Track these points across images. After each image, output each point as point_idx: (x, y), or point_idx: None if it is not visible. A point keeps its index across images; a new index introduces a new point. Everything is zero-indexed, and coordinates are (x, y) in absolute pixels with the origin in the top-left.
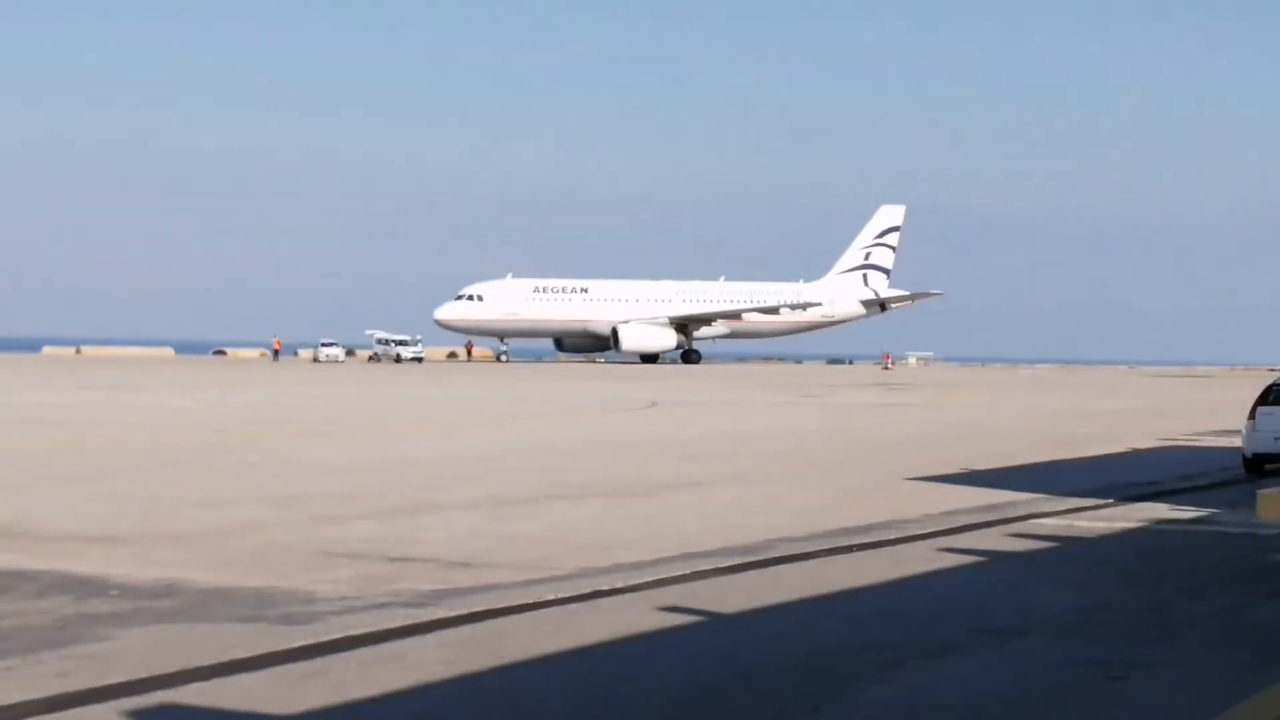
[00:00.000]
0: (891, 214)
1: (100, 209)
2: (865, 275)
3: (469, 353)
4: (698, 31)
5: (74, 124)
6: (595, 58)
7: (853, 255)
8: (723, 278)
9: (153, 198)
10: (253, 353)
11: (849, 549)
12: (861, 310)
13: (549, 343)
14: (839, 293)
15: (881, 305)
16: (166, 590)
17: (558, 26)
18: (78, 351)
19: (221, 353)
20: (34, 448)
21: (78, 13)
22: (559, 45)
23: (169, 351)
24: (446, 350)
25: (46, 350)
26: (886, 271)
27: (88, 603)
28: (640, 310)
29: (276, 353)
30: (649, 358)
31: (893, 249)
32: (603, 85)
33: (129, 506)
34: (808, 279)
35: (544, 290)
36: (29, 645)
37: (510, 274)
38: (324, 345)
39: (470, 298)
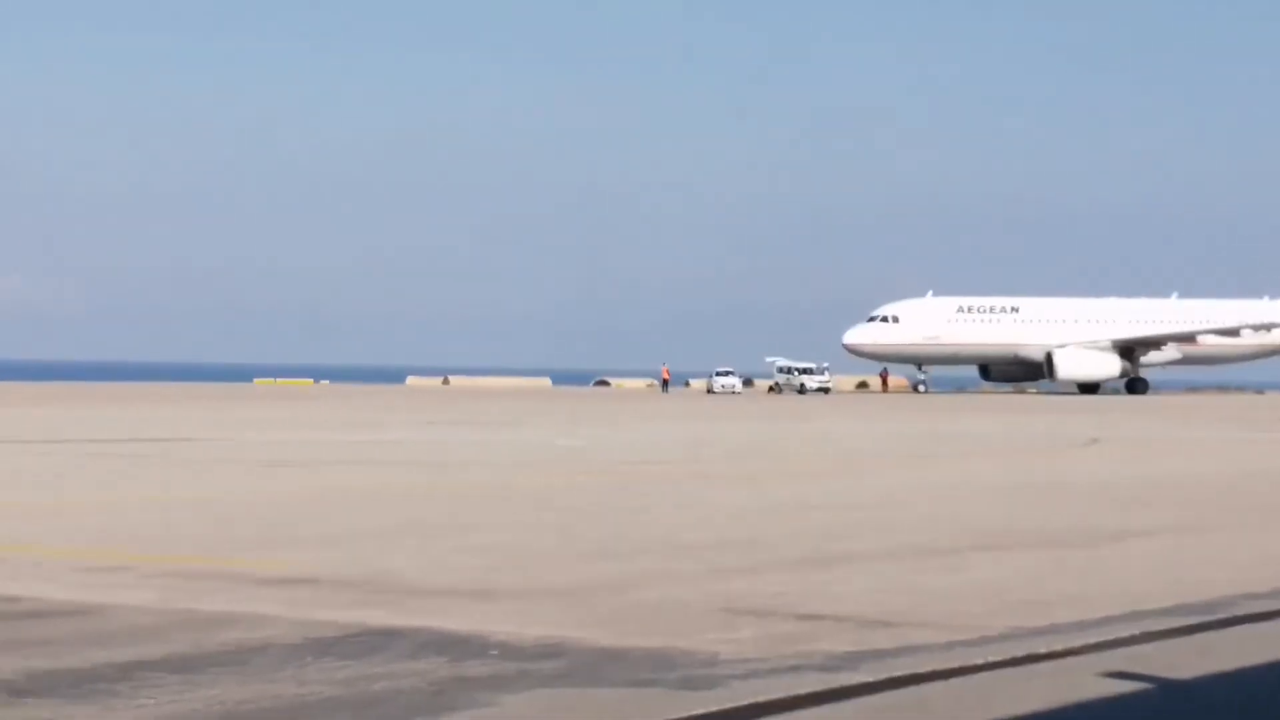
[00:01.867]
0: None
1: (467, 236)
2: None
3: (884, 382)
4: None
5: (458, 158)
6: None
7: None
8: (1175, 295)
9: (529, 224)
10: (639, 383)
11: None
12: None
13: (972, 370)
14: None
15: None
16: (552, 651)
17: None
18: (445, 381)
19: (604, 383)
20: (400, 491)
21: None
22: (972, 51)
23: (545, 382)
24: (856, 379)
25: (411, 380)
26: None
27: (465, 664)
28: (1078, 333)
29: (665, 383)
30: (1088, 387)
31: None
32: (1026, 84)
33: (509, 557)
34: (1274, 295)
35: (969, 310)
36: (402, 711)
37: (930, 292)
38: (719, 374)
39: (884, 319)
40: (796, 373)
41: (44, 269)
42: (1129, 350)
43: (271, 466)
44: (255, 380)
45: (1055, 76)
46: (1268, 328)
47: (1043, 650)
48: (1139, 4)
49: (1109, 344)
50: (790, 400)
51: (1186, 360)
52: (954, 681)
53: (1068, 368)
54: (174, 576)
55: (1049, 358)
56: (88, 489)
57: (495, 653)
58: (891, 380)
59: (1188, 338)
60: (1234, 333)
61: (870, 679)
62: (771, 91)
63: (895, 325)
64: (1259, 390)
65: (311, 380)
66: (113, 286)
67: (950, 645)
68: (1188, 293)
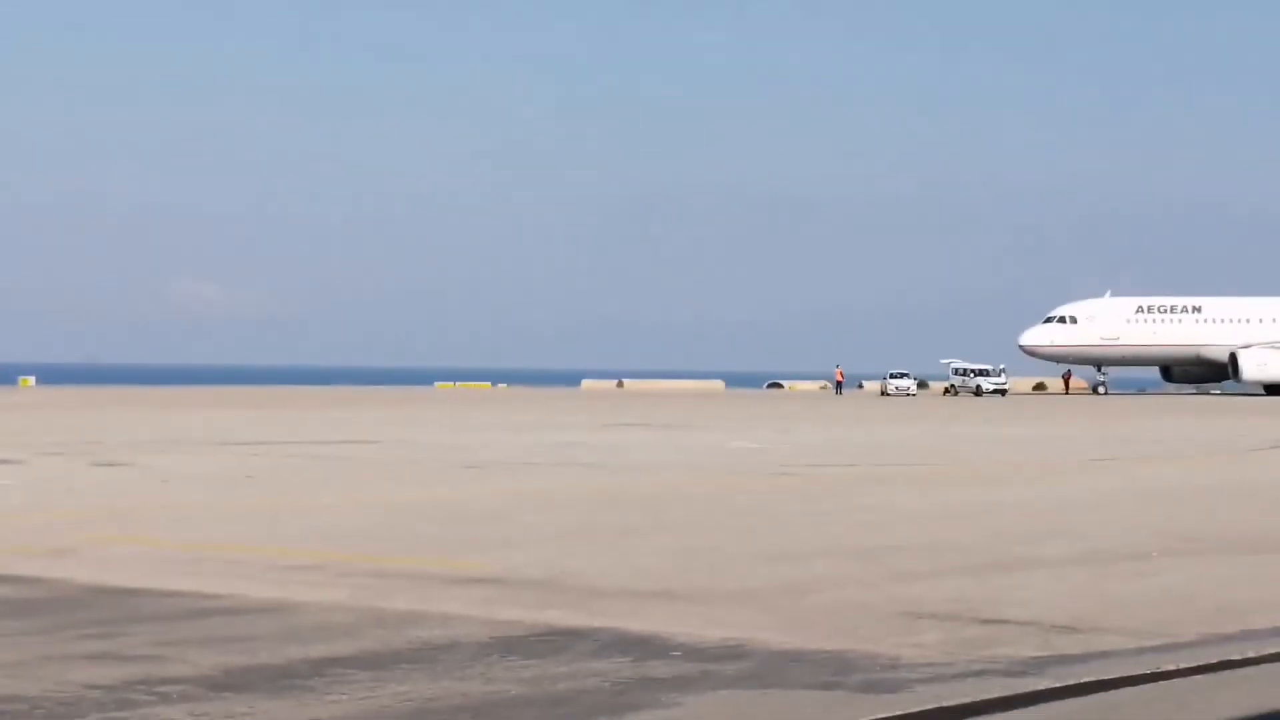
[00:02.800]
0: None
1: (638, 239)
2: None
3: (1067, 384)
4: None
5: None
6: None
7: None
8: None
9: (696, 227)
10: (812, 385)
11: None
12: None
13: (1152, 372)
14: None
15: None
16: (734, 652)
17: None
18: (619, 385)
19: (777, 385)
20: (580, 493)
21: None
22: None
23: (719, 384)
24: (1033, 381)
25: (586, 384)
26: None
27: (648, 665)
28: (1263, 333)
29: (839, 385)
30: (1275, 389)
31: None
32: (1204, 79)
33: (689, 559)
34: None
35: (1149, 310)
36: (586, 711)
37: (1109, 292)
38: (893, 376)
39: (1062, 320)
40: (972, 374)
41: (236, 277)
42: None
43: (457, 469)
44: (436, 384)
45: (1230, 71)
46: None
47: (1236, 657)
48: None
49: None
50: (966, 402)
51: None
52: (1144, 688)
53: (1253, 369)
54: (364, 575)
55: (1233, 358)
56: (280, 490)
57: (678, 654)
58: (1072, 382)
59: None
60: None
61: (1057, 684)
62: (938, 85)
63: (1073, 326)
64: None
65: (490, 384)
66: (293, 293)
67: (1140, 651)
68: None
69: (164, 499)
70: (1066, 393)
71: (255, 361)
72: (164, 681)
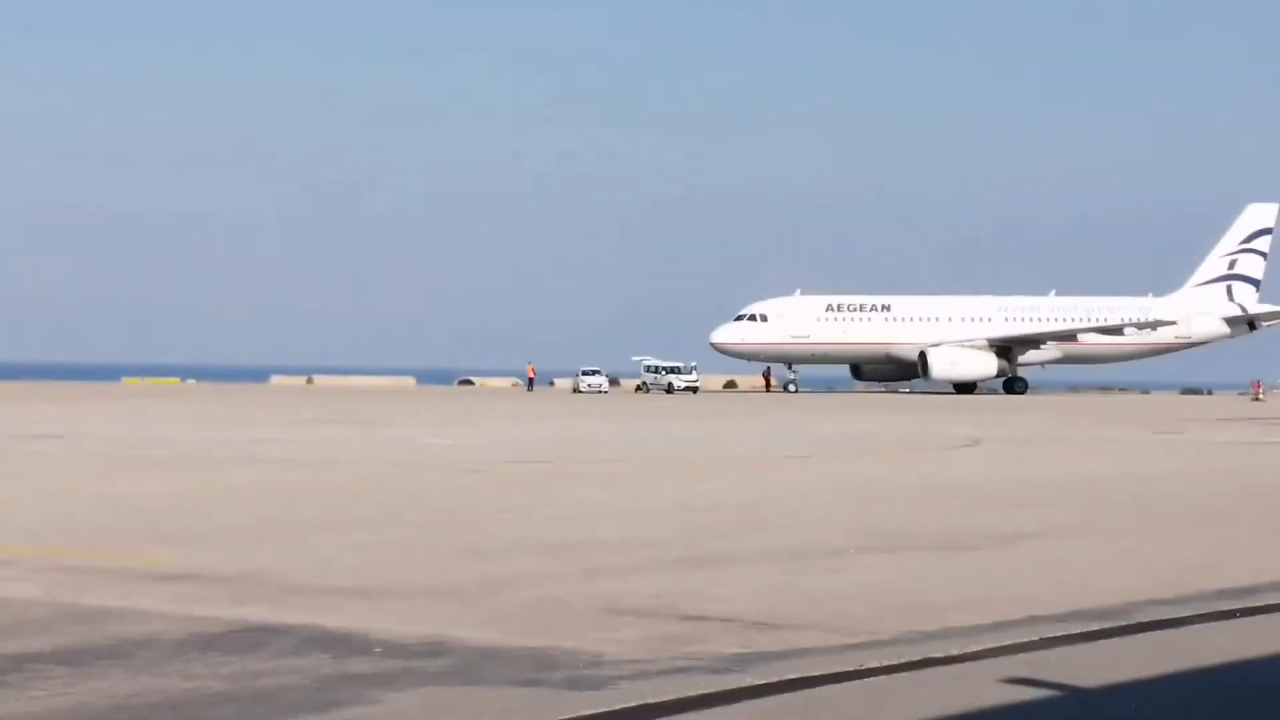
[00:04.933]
0: (1262, 214)
1: (335, 231)
2: (1230, 287)
3: (767, 382)
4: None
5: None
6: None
7: (1214, 264)
8: (1053, 292)
9: (394, 221)
10: (504, 382)
11: (1231, 614)
12: (1225, 330)
13: (843, 370)
14: (1196, 308)
15: (1250, 324)
16: (435, 649)
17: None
18: (309, 381)
19: (469, 382)
20: (271, 489)
21: None
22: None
23: (410, 381)
24: (724, 379)
25: (275, 380)
26: (1256, 283)
27: (349, 661)
28: (953, 331)
29: (531, 382)
30: (964, 387)
31: (1264, 256)
32: (914, 76)
33: (385, 555)
34: (1158, 292)
35: (838, 309)
36: (289, 708)
37: (799, 290)
38: (585, 374)
39: (753, 318)
40: (664, 372)
41: None
42: (1006, 349)
43: (145, 464)
44: (124, 380)
45: (938, 65)
46: (1153, 325)
47: (939, 654)
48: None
49: (985, 342)
50: (658, 400)
51: (1067, 359)
52: (846, 685)
53: (942, 367)
54: (56, 570)
55: (923, 357)
56: None
57: (378, 650)
58: (773, 380)
59: (1068, 336)
60: (1117, 331)
61: (760, 681)
62: (663, 84)
63: (763, 324)
64: (1144, 390)
65: (179, 379)
66: None
67: (841, 648)
68: (1067, 290)
69: None
70: (768, 390)
71: None
72: None
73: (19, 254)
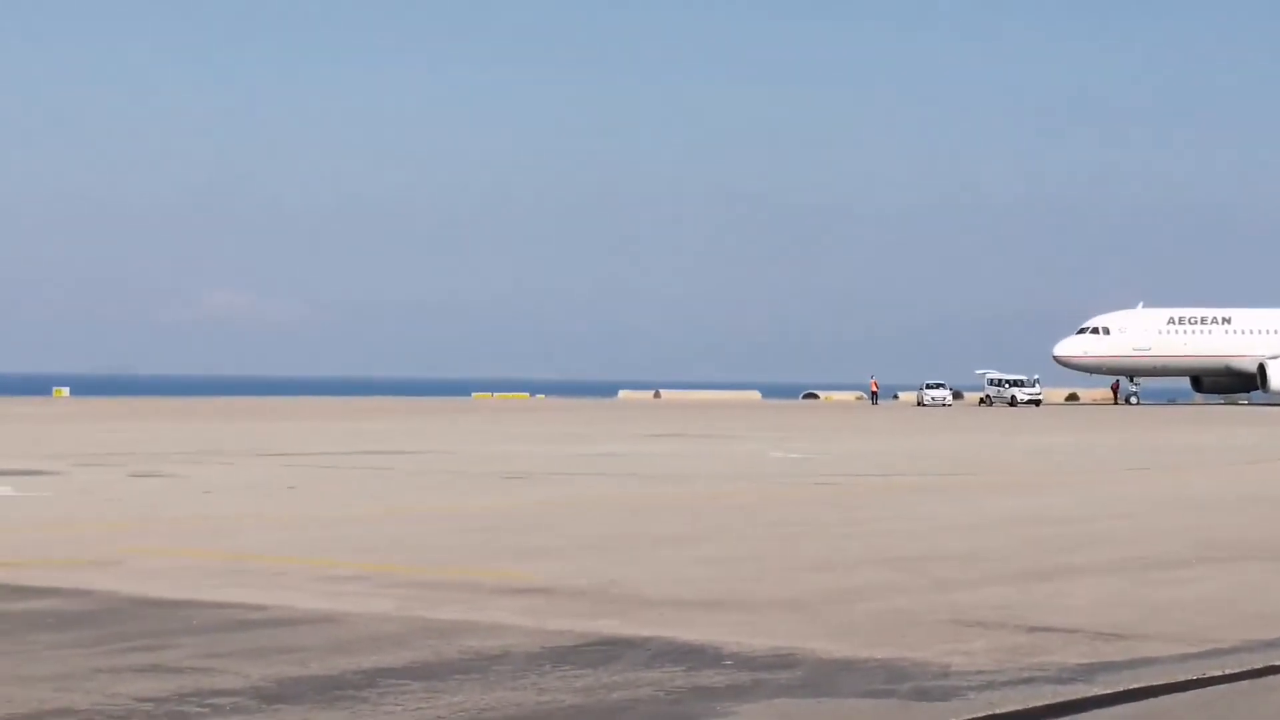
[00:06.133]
0: None
1: (682, 248)
2: None
3: (1115, 394)
4: None
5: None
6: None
7: None
8: None
9: (732, 237)
10: (847, 396)
11: None
12: None
13: (1183, 382)
14: None
15: None
16: (785, 661)
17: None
18: (656, 395)
19: (813, 395)
20: (621, 503)
21: None
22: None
23: (755, 395)
24: (1066, 391)
25: (623, 394)
26: None
27: (700, 674)
28: None
29: (875, 395)
30: None
31: None
32: (1239, 89)
33: (734, 568)
34: None
35: (1180, 321)
36: None
37: (1141, 303)
38: (929, 387)
39: (1094, 330)
40: (1007, 385)
41: (268, 286)
42: None
43: (497, 479)
44: (474, 395)
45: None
46: None
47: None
48: None
49: None
50: (1001, 412)
51: None
52: (1192, 694)
53: None
54: (410, 585)
55: (1261, 369)
56: (322, 501)
57: (729, 663)
58: (1097, 394)
59: None
60: None
61: (1106, 691)
62: (956, 93)
63: (1105, 337)
64: None
65: (528, 394)
66: (326, 303)
67: (1183, 658)
68: None
69: (206, 509)
70: (1115, 403)
71: (287, 372)
72: (215, 693)
73: (372, 270)
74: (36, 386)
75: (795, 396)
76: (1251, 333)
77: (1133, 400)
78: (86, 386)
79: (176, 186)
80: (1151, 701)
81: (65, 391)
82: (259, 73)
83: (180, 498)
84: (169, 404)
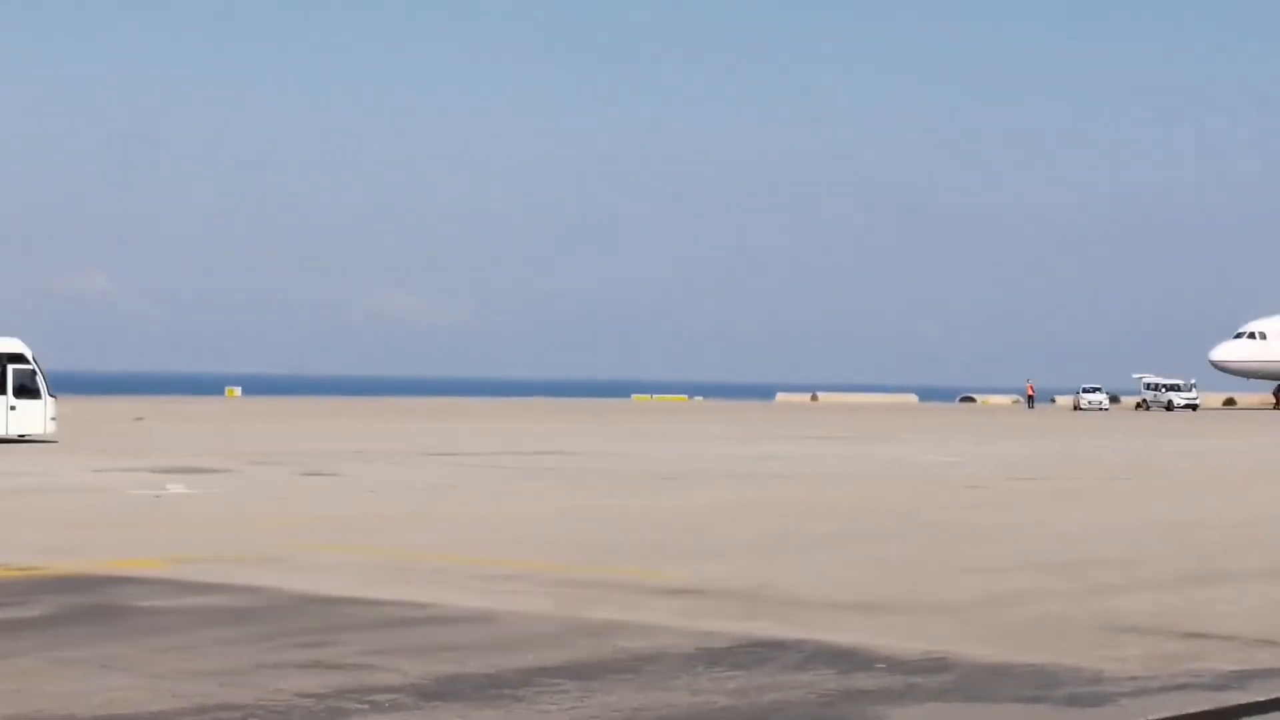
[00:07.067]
0: None
1: (836, 254)
2: None
3: (1277, 399)
4: None
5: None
6: None
7: None
8: None
9: (892, 242)
10: (1004, 399)
11: None
12: None
13: None
14: None
15: None
16: (938, 665)
17: None
18: (814, 398)
19: (969, 399)
20: (776, 505)
21: None
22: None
23: (912, 398)
24: (1223, 396)
25: (780, 397)
26: None
27: (853, 677)
28: None
29: (1031, 399)
30: None
31: None
32: None
33: (888, 571)
34: None
35: None
36: None
37: None
38: (1085, 391)
39: (1251, 335)
40: (1164, 389)
41: (439, 288)
42: None
43: (655, 479)
44: (633, 396)
45: None
46: None
47: None
48: None
49: None
50: (1158, 417)
51: None
52: None
53: None
54: (567, 585)
55: None
56: (483, 500)
57: (882, 666)
58: (1255, 399)
59: None
60: None
61: (1259, 699)
62: (1101, 99)
63: (1262, 342)
64: None
65: (686, 396)
66: (494, 305)
67: None
68: None
69: (371, 508)
70: (1276, 408)
71: (456, 374)
72: (375, 690)
73: (540, 272)
74: (211, 386)
75: (952, 400)
76: None
77: None
78: (259, 386)
79: (347, 193)
80: None
81: (237, 391)
82: (427, 77)
83: (347, 496)
84: (336, 404)
